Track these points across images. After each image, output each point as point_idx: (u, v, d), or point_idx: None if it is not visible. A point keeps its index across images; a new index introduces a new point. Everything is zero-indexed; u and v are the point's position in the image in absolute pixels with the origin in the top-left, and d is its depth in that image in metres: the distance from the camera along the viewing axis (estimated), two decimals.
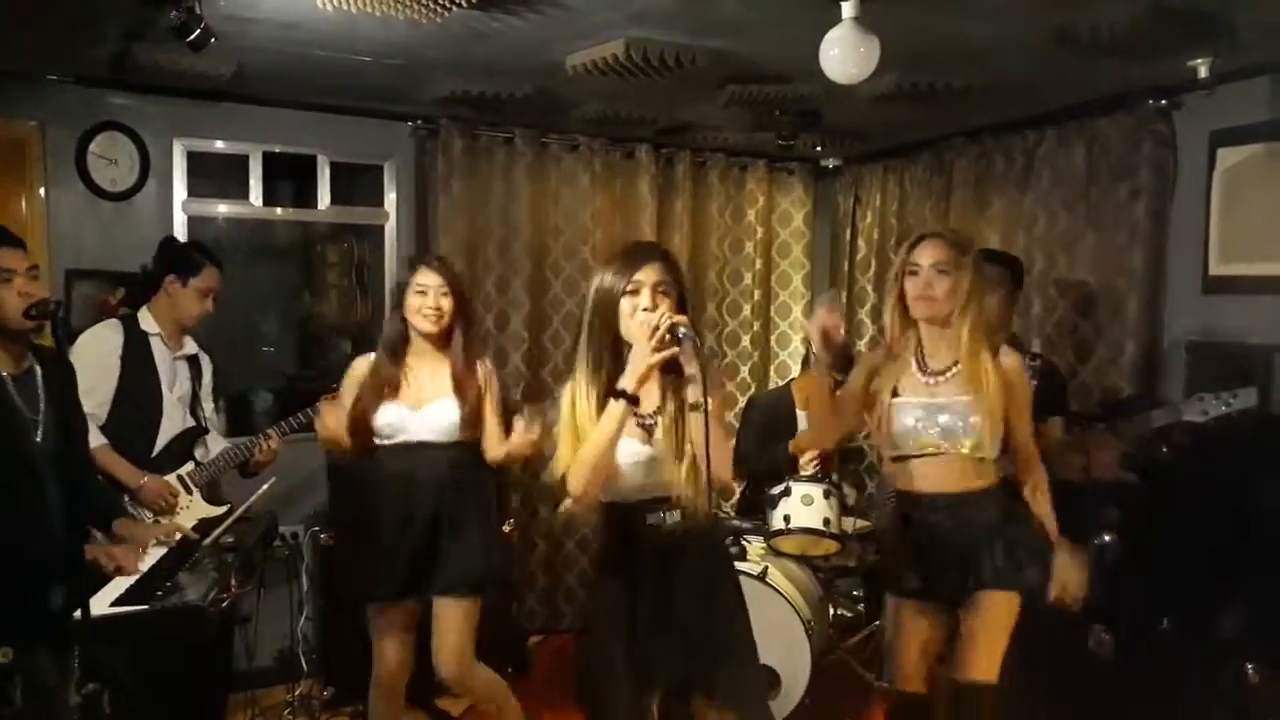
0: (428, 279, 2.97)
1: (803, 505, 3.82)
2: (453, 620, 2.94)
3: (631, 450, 2.23)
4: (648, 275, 2.18)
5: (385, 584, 2.95)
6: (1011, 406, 2.58)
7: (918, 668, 2.71)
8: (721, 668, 2.25)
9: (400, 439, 2.97)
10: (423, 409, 2.97)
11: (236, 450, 3.38)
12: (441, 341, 3.03)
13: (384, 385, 2.97)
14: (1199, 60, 3.30)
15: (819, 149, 5.17)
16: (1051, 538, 2.65)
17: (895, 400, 2.63)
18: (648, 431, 2.25)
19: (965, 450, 2.56)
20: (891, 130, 4.74)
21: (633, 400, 2.13)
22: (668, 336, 2.08)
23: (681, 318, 2.12)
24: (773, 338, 5.52)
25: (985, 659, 2.56)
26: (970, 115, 4.33)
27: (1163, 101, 3.74)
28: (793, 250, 5.59)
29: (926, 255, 2.59)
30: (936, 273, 2.57)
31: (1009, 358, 2.62)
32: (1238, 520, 3.14)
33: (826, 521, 3.81)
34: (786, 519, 3.82)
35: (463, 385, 2.99)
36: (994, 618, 2.56)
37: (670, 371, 2.21)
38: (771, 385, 5.39)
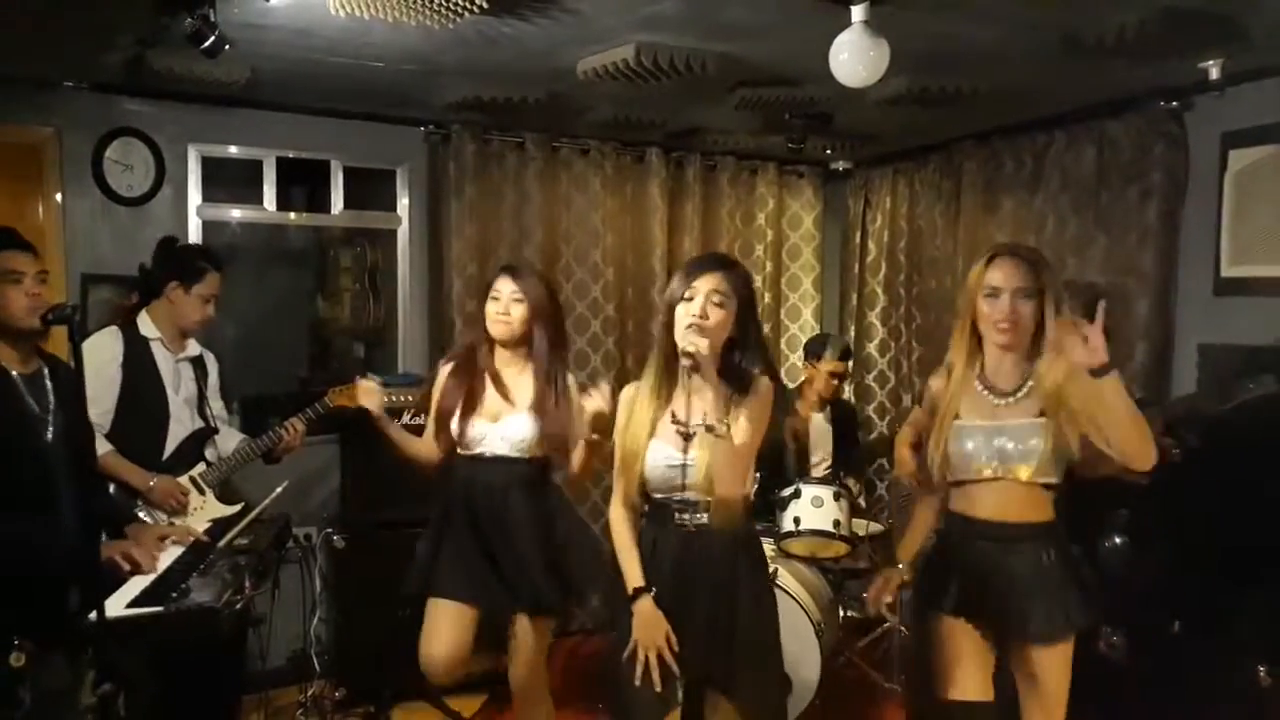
0: (502, 284, 2.98)
1: (813, 507, 3.83)
2: (527, 637, 2.95)
3: (664, 455, 2.31)
4: (704, 283, 2.24)
5: (450, 581, 2.93)
6: (1103, 418, 2.30)
7: (978, 674, 2.51)
8: (742, 668, 2.30)
9: (477, 450, 2.96)
10: (501, 420, 2.95)
11: (251, 447, 3.39)
12: (523, 351, 3.00)
13: (464, 392, 2.98)
14: (1210, 62, 3.30)
15: (829, 152, 5.17)
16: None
17: (956, 423, 2.48)
18: (686, 440, 2.28)
19: (1024, 476, 2.41)
20: (901, 133, 4.74)
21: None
22: (687, 363, 2.19)
23: (696, 346, 2.17)
24: (783, 340, 5.52)
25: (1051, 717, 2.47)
26: (980, 118, 4.33)
27: (1174, 103, 3.74)
28: (803, 253, 5.60)
29: (1008, 278, 2.40)
30: (1021, 297, 2.39)
31: (1083, 373, 2.32)
32: (1249, 521, 3.12)
33: (836, 524, 3.81)
34: (797, 521, 3.83)
35: (542, 400, 2.94)
36: (1053, 678, 2.43)
37: (726, 380, 2.28)
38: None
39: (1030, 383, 2.43)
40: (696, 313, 2.21)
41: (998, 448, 2.43)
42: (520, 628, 2.95)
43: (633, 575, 2.35)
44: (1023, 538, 2.43)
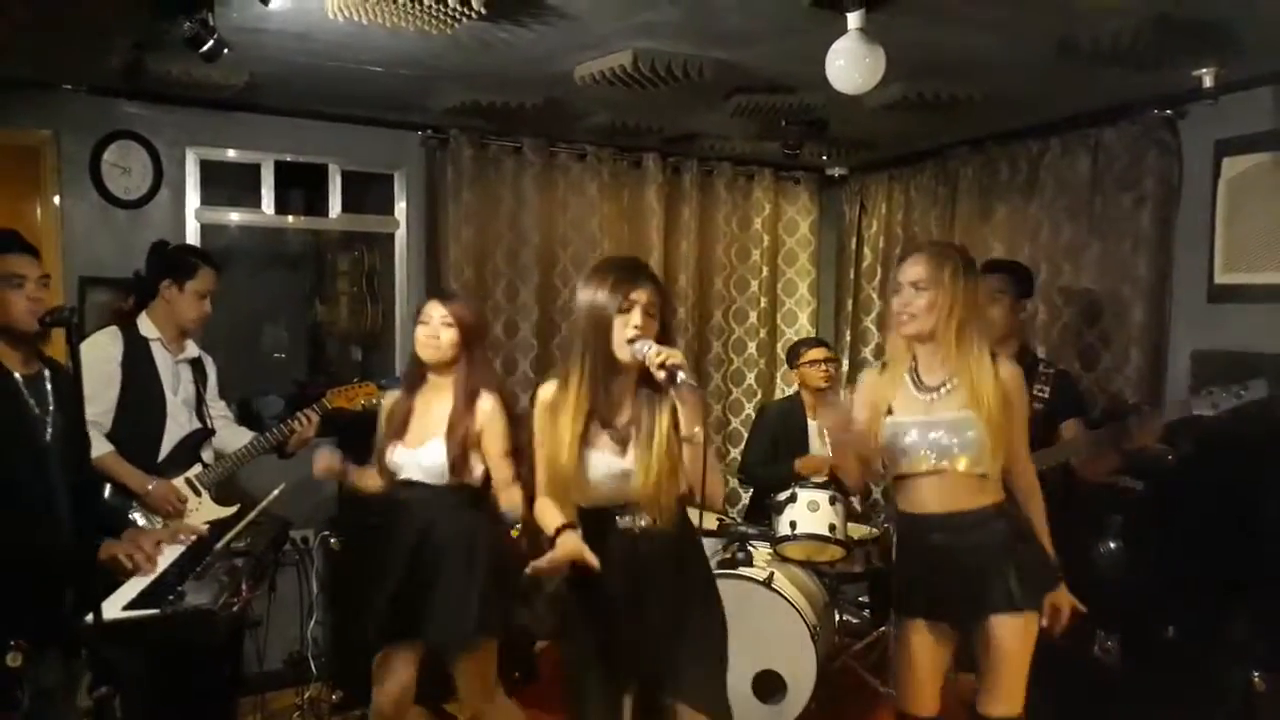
0: (432, 309, 2.95)
1: (809, 511, 3.84)
2: (460, 669, 2.93)
3: (604, 462, 2.29)
4: (640, 296, 2.24)
5: (375, 627, 2.94)
6: (1010, 420, 2.50)
7: (928, 688, 2.61)
8: (689, 667, 2.30)
9: (401, 477, 2.94)
10: (420, 447, 2.91)
11: (257, 442, 3.39)
12: (450, 376, 2.96)
13: (396, 419, 2.97)
14: (1204, 70, 3.32)
15: (825, 158, 5.20)
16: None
17: (889, 419, 2.58)
18: (621, 445, 2.30)
19: (961, 467, 2.49)
20: (897, 139, 4.76)
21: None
22: (663, 375, 2.13)
23: (676, 356, 2.14)
24: (779, 344, 5.54)
25: (1010, 690, 2.49)
26: (975, 124, 4.36)
27: (1168, 111, 3.76)
28: (799, 258, 5.62)
29: (906, 273, 2.56)
30: (915, 290, 2.53)
31: (1006, 368, 2.54)
32: (1243, 527, 3.14)
33: (832, 528, 3.82)
34: (793, 525, 3.84)
35: (453, 426, 2.88)
36: (1013, 647, 2.48)
37: (645, 385, 2.29)
38: (778, 393, 5.41)
39: (956, 378, 2.53)
40: (638, 323, 2.22)
41: (934, 439, 2.52)
42: (457, 665, 2.93)
43: (554, 520, 2.31)
44: (974, 523, 2.51)
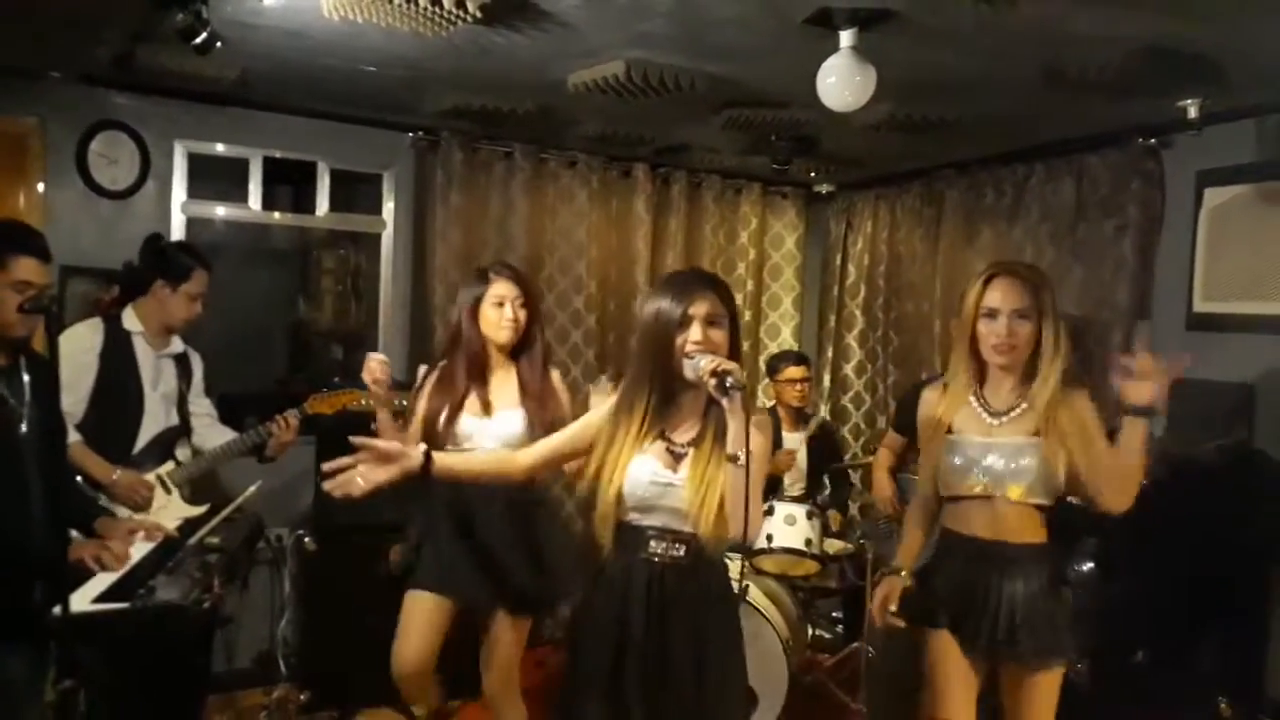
0: (505, 289, 2.95)
1: (785, 525, 3.85)
2: (505, 636, 2.94)
3: (651, 471, 2.18)
4: (700, 308, 2.14)
5: (430, 574, 2.93)
6: (1083, 449, 2.38)
7: (960, 694, 2.49)
8: (704, 713, 2.18)
9: (466, 446, 2.93)
10: (494, 415, 2.94)
11: (236, 443, 3.36)
12: (510, 350, 3.00)
13: (460, 395, 2.95)
14: (1188, 101, 3.37)
15: (813, 174, 5.23)
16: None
17: (949, 437, 2.51)
18: (676, 459, 2.19)
19: (1015, 494, 2.41)
20: (884, 159, 4.80)
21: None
22: (713, 382, 2.04)
23: (732, 365, 2.07)
24: (760, 358, 5.55)
25: None
26: (962, 147, 4.40)
27: (1152, 140, 3.81)
28: (784, 273, 5.65)
29: (1005, 298, 2.42)
30: (1018, 318, 2.41)
31: (1080, 398, 2.43)
32: (1215, 554, 3.17)
33: (808, 542, 3.84)
34: (769, 538, 3.85)
35: (531, 396, 2.95)
36: (1040, 702, 2.42)
37: (715, 405, 2.16)
38: (759, 403, 5.42)
39: (1024, 404, 2.44)
40: (698, 338, 2.13)
41: (989, 465, 2.44)
42: (499, 626, 2.94)
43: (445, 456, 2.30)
44: (1015, 559, 2.43)
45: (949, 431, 2.52)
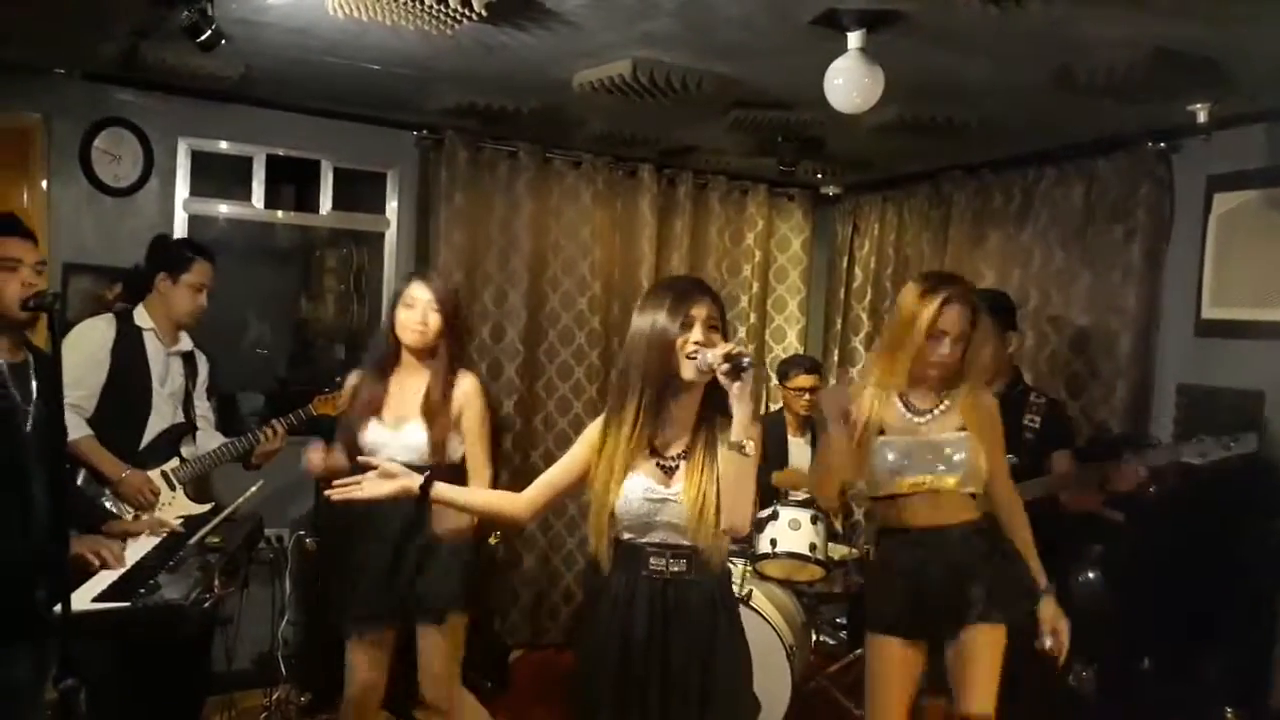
0: (418, 293, 2.92)
1: (790, 530, 3.83)
2: (427, 647, 2.91)
3: (644, 488, 2.16)
4: (700, 311, 2.15)
5: (356, 608, 2.92)
6: (993, 444, 2.63)
7: (898, 708, 2.63)
8: None
9: (380, 457, 2.87)
10: (400, 428, 2.90)
11: (228, 447, 3.36)
12: (429, 358, 2.95)
13: (369, 401, 2.94)
14: (1198, 105, 3.34)
15: (820, 176, 5.21)
16: (1039, 581, 2.64)
17: (881, 439, 2.62)
18: (667, 474, 2.17)
19: (950, 485, 2.58)
20: (892, 161, 4.78)
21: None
22: (726, 367, 2.02)
23: (742, 348, 2.07)
24: (767, 361, 5.53)
25: (984, 690, 2.54)
26: (970, 149, 4.37)
27: (1161, 144, 3.78)
28: (790, 275, 5.62)
29: (955, 324, 2.56)
30: (954, 341, 2.57)
31: (987, 396, 2.69)
32: (1222, 562, 3.15)
33: (813, 547, 3.81)
34: (773, 543, 3.83)
35: (433, 407, 2.88)
36: (987, 653, 2.54)
37: (706, 415, 2.18)
38: (764, 408, 5.39)
39: (945, 402, 2.62)
40: (700, 339, 2.11)
41: (921, 461, 2.58)
42: (424, 641, 2.92)
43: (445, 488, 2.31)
44: (955, 538, 2.58)
45: (880, 433, 2.63)
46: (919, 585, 2.59)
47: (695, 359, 2.09)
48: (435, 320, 2.92)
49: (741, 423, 2.03)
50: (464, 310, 3.07)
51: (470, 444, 2.95)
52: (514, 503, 2.34)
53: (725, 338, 2.20)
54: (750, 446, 2.02)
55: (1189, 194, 3.76)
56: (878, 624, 2.66)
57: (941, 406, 2.63)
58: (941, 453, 2.58)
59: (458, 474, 2.91)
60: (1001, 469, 2.67)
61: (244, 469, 3.41)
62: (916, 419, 2.63)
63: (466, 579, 2.94)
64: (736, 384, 2.02)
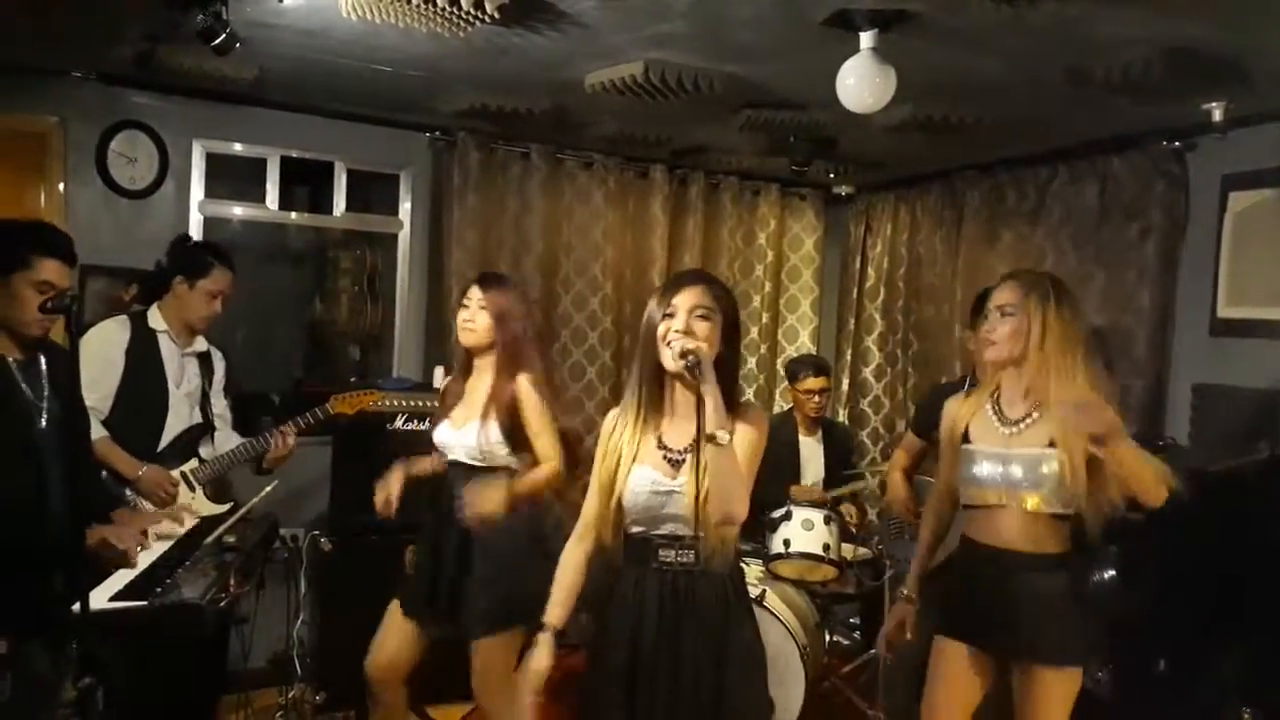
0: (471, 293, 2.98)
1: (803, 530, 3.82)
2: (477, 657, 2.90)
3: (651, 481, 2.16)
4: (684, 299, 2.13)
5: (408, 593, 2.98)
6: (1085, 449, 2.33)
7: (959, 713, 2.51)
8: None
9: (449, 458, 2.98)
10: (462, 428, 2.94)
11: (245, 448, 3.38)
12: (491, 359, 2.98)
13: (448, 401, 3.02)
14: (1213, 104, 3.33)
15: (832, 176, 5.19)
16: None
17: (964, 446, 2.51)
18: (674, 466, 2.16)
19: (1030, 506, 2.41)
20: (904, 160, 4.76)
21: None
22: (682, 364, 2.04)
23: (696, 344, 2.06)
24: (779, 360, 5.53)
25: None
26: (983, 149, 4.36)
27: (1176, 143, 3.77)
28: (802, 275, 5.62)
29: (994, 297, 2.50)
30: (1000, 315, 2.46)
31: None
32: (1240, 562, 3.13)
33: (826, 547, 3.81)
34: (786, 543, 3.82)
35: (487, 408, 2.90)
36: (1055, 699, 2.40)
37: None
38: (776, 409, 5.39)
39: (1036, 413, 2.44)
40: (680, 328, 2.10)
41: (1005, 474, 2.44)
42: (476, 649, 2.91)
43: (553, 611, 2.28)
44: (1032, 568, 2.41)
45: (966, 440, 2.52)
46: (986, 608, 2.45)
47: (670, 347, 2.09)
48: (484, 319, 2.94)
49: (710, 414, 2.02)
50: (520, 310, 3.01)
51: (533, 438, 2.93)
52: (592, 541, 2.31)
53: (730, 333, 2.18)
54: (723, 436, 2.01)
55: (1204, 193, 3.74)
56: (941, 628, 2.55)
57: (1034, 416, 2.44)
58: (1025, 467, 2.41)
59: (509, 476, 2.92)
60: (1137, 467, 2.26)
61: (254, 473, 3.43)
62: (1004, 428, 2.48)
63: (514, 591, 2.83)
64: (691, 378, 2.04)
